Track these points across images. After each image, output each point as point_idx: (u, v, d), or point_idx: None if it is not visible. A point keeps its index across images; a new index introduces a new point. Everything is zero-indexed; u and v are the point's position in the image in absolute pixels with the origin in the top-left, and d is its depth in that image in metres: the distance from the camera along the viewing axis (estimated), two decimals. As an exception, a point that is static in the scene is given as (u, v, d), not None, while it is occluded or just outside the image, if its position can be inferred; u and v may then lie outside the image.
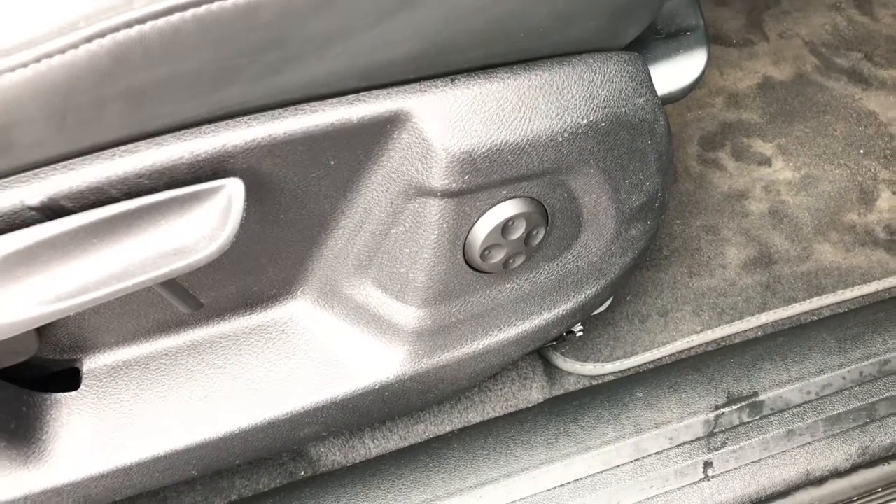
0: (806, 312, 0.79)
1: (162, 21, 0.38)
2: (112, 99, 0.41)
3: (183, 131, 0.45)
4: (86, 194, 0.45)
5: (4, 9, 0.38)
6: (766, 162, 0.91)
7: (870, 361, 0.74)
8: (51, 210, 0.45)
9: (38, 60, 0.37)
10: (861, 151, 0.92)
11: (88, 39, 0.37)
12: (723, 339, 0.77)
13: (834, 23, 1.03)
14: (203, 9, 0.38)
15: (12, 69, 0.38)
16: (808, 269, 0.82)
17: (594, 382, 0.76)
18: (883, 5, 1.05)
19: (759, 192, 0.88)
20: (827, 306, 0.79)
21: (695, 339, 0.76)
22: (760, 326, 0.78)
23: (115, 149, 0.45)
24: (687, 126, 0.92)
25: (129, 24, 0.38)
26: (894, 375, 0.73)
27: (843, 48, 1.00)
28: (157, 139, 0.45)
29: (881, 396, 0.72)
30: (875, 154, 0.91)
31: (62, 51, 0.38)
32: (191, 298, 0.56)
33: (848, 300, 0.80)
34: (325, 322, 0.60)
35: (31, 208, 0.45)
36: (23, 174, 0.44)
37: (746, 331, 0.78)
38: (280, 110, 0.46)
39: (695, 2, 0.65)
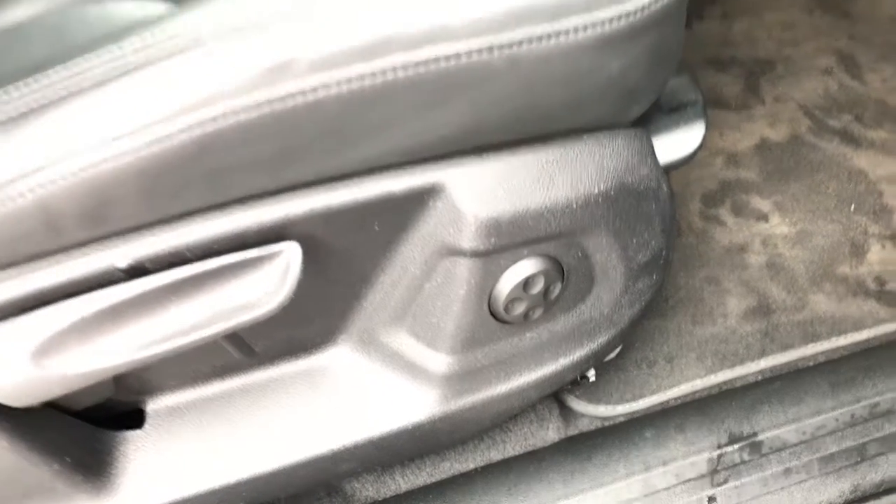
0: (802, 358, 0.85)
1: (243, 115, 0.45)
2: (194, 178, 0.48)
3: (250, 202, 0.52)
4: (165, 257, 0.52)
5: (112, 96, 0.46)
6: (764, 218, 0.98)
7: (861, 404, 0.79)
8: (135, 271, 0.52)
9: (141, 148, 0.45)
10: (852, 207, 0.98)
11: (184, 130, 0.45)
12: (725, 383, 0.83)
13: (826, 87, 1.10)
14: (278, 106, 0.45)
15: (121, 154, 0.45)
16: (804, 317, 0.88)
17: (606, 423, 0.82)
18: (871, 70, 1.12)
19: (757, 245, 0.95)
20: (821, 353, 0.85)
21: (699, 384, 0.83)
22: (760, 371, 0.84)
23: (192, 217, 0.52)
24: (690, 184, 0.99)
25: (215, 119, 0.45)
26: (884, 417, 0.79)
27: (834, 110, 1.08)
28: (228, 209, 0.52)
29: (871, 437, 0.78)
30: (865, 210, 0.98)
31: (160, 140, 0.45)
32: (246, 346, 0.63)
33: (841, 347, 0.86)
34: (363, 367, 0.67)
35: (120, 270, 0.52)
36: (114, 240, 0.51)
37: (746, 375, 0.84)
38: (334, 183, 0.53)
39: (693, 80, 0.72)
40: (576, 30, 0.48)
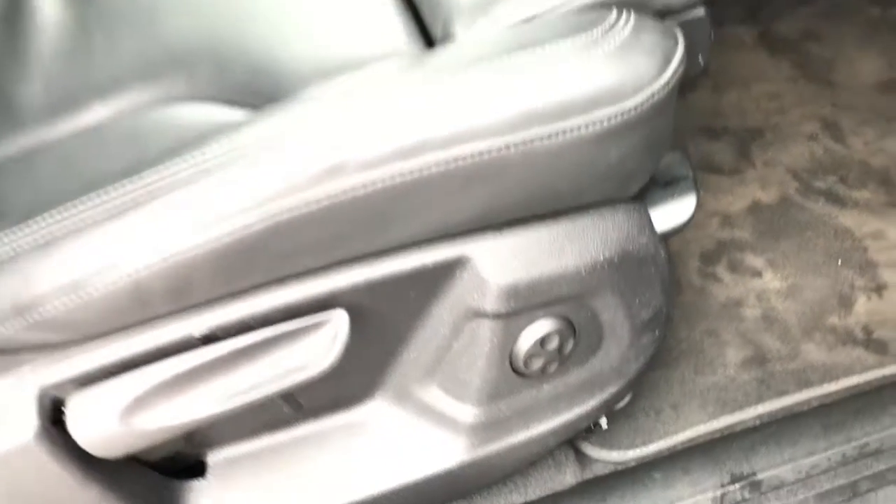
0: (796, 403, 0.92)
1: (305, 208, 0.54)
2: (262, 260, 0.57)
3: (305, 276, 0.61)
4: (234, 326, 0.61)
5: (197, 194, 0.55)
6: (758, 274, 1.06)
7: (851, 444, 0.86)
8: (208, 338, 0.61)
9: (221, 237, 0.54)
10: (839, 262, 1.07)
11: (256, 222, 0.54)
12: (726, 427, 0.91)
13: (812, 151, 1.19)
14: (334, 199, 0.54)
15: (204, 243, 0.54)
16: (797, 366, 0.96)
17: (619, 467, 0.89)
18: (854, 134, 1.22)
19: (752, 300, 1.03)
20: (814, 398, 0.93)
21: (702, 428, 0.90)
22: (758, 416, 0.91)
23: (256, 291, 0.61)
24: (688, 245, 1.08)
25: (282, 212, 0.54)
26: (873, 456, 0.86)
27: (820, 173, 1.17)
28: (287, 282, 0.61)
29: (862, 475, 0.85)
30: (851, 265, 1.06)
31: (236, 231, 0.54)
32: (296, 402, 0.71)
33: (832, 392, 0.93)
34: (399, 419, 0.75)
35: (196, 338, 0.60)
36: (191, 312, 0.60)
37: (746, 420, 0.91)
38: (376, 258, 0.62)
39: (685, 156, 0.81)
40: (579, 128, 0.57)
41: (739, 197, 1.14)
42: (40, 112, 0.73)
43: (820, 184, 1.15)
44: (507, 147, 0.57)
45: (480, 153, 0.57)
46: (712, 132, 1.21)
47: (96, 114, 0.72)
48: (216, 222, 0.54)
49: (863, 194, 1.14)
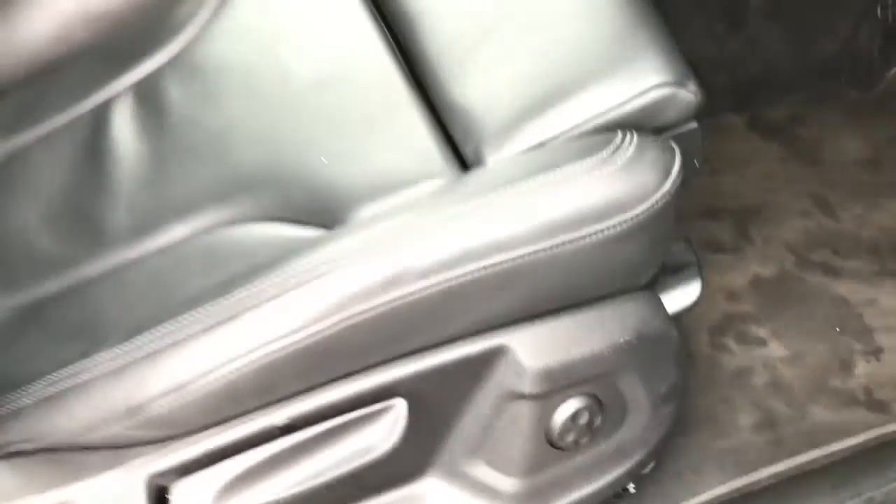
0: (805, 462, 1.01)
1: (371, 312, 0.65)
2: (336, 358, 0.67)
3: (370, 369, 0.71)
4: (310, 416, 0.70)
5: (283, 304, 0.66)
6: (763, 343, 1.15)
7: (858, 499, 0.95)
8: (288, 428, 0.71)
9: (304, 340, 0.64)
10: (838, 329, 1.16)
11: (332, 326, 0.64)
12: (743, 487, 0.99)
13: (805, 226, 1.29)
14: (395, 303, 0.65)
15: (288, 345, 0.64)
16: (805, 427, 1.04)
17: (647, 530, 0.98)
18: (842, 209, 1.32)
19: (760, 368, 1.12)
20: (822, 457, 1.01)
21: (720, 489, 0.98)
22: (771, 476, 1.00)
23: (329, 384, 0.71)
24: (698, 319, 1.18)
25: (353, 316, 0.65)
26: (879, 508, 0.94)
27: (814, 246, 1.27)
28: (353, 376, 0.71)
29: (870, 526, 0.93)
30: (849, 331, 1.16)
31: (315, 334, 0.64)
32: (358, 481, 0.80)
33: (838, 451, 1.02)
34: (449, 492, 0.83)
35: (277, 428, 0.70)
36: (274, 406, 0.70)
37: (760, 480, 1.00)
38: (429, 351, 0.72)
39: (689, 244, 0.92)
40: (595, 234, 0.68)
41: (741, 273, 1.24)
42: (126, 234, 0.84)
43: (815, 257, 1.25)
44: (536, 253, 0.68)
45: (513, 259, 0.68)
46: (712, 213, 1.32)
47: (175, 234, 0.82)
48: (298, 330, 0.64)
49: (855, 265, 1.24)
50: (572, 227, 0.68)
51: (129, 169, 0.89)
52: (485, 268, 0.67)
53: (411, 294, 0.65)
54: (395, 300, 0.65)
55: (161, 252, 0.82)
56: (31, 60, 1.03)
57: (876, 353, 1.14)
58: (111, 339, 0.70)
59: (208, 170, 0.86)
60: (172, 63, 0.96)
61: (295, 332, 0.64)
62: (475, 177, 0.74)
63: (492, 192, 0.70)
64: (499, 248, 0.67)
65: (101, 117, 0.94)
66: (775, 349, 1.14)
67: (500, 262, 0.67)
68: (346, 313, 0.64)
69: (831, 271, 1.23)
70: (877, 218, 1.31)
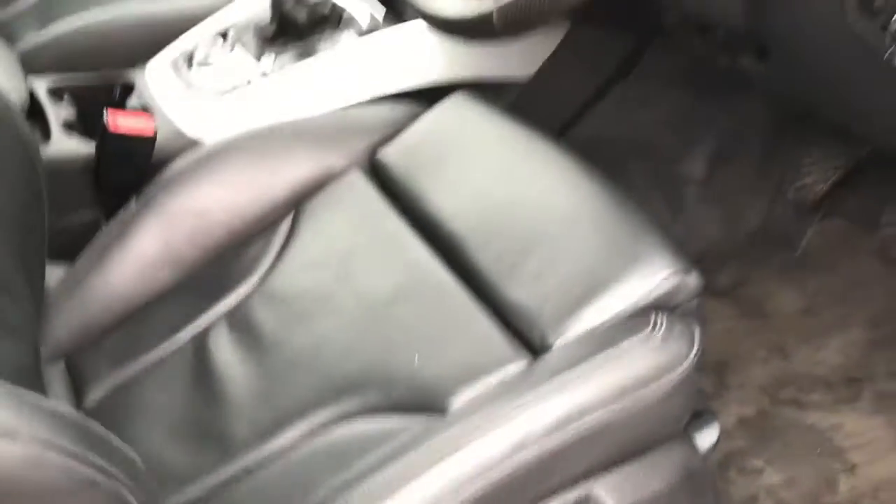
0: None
1: (497, 477, 0.83)
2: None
3: None
4: None
5: (421, 486, 0.83)
6: (760, 472, 1.35)
7: None
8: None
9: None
10: (818, 452, 1.38)
11: (504, 469, 0.82)
12: None
13: (769, 371, 1.53)
14: (519, 465, 0.84)
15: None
16: (811, 540, 1.24)
17: None
18: (796, 352, 1.56)
19: (763, 494, 1.32)
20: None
21: None
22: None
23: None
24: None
25: (486, 485, 0.83)
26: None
27: (781, 386, 1.50)
28: None
29: None
30: (826, 453, 1.38)
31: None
32: None
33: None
34: None
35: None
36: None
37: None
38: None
39: (703, 392, 1.14)
40: (648, 394, 0.89)
41: (727, 414, 1.45)
42: (251, 439, 0.99)
43: (784, 395, 1.48)
44: (607, 414, 0.88)
45: (592, 420, 0.87)
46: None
47: (296, 432, 0.99)
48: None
49: (817, 398, 1.47)
50: (635, 388, 0.89)
51: (240, 386, 1.05)
52: (577, 429, 0.86)
53: (531, 455, 0.84)
54: (516, 467, 0.83)
55: (285, 451, 0.98)
56: (123, 304, 1.21)
57: (852, 469, 1.35)
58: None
59: (311, 378, 1.03)
60: (256, 293, 1.16)
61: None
62: (553, 357, 0.94)
63: (563, 372, 0.91)
64: (581, 414, 0.87)
65: (201, 344, 1.12)
66: (771, 476, 1.34)
67: (584, 424, 0.87)
68: (478, 483, 0.82)
69: (799, 405, 1.46)
70: (823, 357, 1.56)
